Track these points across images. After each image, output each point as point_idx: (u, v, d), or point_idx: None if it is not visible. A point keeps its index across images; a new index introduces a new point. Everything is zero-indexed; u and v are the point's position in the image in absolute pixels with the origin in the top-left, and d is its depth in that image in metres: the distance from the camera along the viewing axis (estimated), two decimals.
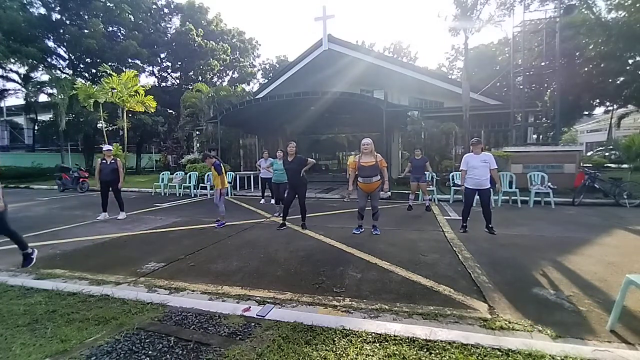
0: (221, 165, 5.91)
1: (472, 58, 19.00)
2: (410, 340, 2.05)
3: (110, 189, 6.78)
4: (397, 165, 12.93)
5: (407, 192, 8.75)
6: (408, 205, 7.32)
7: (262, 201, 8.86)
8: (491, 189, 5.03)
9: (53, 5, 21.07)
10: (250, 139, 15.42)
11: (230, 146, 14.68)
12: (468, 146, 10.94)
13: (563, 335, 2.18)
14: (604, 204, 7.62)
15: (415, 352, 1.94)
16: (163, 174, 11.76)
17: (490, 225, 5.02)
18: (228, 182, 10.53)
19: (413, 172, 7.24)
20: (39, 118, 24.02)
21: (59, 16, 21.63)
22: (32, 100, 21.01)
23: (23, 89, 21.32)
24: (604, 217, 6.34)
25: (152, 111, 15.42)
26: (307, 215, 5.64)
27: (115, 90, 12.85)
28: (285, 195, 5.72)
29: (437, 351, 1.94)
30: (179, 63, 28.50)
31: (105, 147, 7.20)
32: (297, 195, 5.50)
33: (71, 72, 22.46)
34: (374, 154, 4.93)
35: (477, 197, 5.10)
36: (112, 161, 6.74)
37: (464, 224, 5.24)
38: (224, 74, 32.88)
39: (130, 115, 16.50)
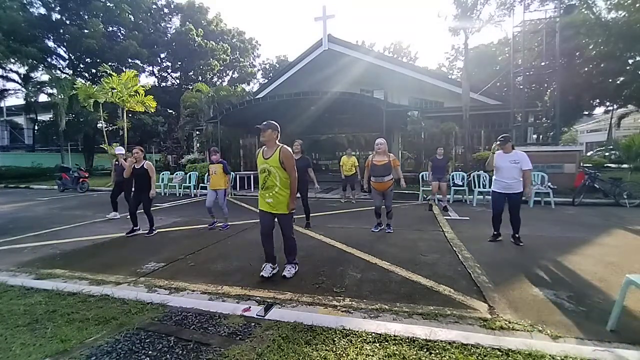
0: None
1: (472, 58, 18.98)
2: (410, 340, 2.05)
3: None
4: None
5: (409, 192, 8.77)
6: (428, 205, 7.44)
7: None
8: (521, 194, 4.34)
9: (53, 5, 21.10)
10: (250, 139, 15.42)
11: (230, 146, 14.68)
12: (468, 146, 11.08)
13: (563, 335, 2.17)
14: (604, 204, 7.62)
15: (415, 352, 1.94)
16: (163, 174, 11.78)
17: (517, 235, 4.43)
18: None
19: (434, 172, 7.28)
20: (39, 118, 24.03)
21: (59, 16, 21.67)
22: (32, 100, 21.03)
23: (23, 89, 21.35)
24: (604, 217, 6.34)
25: (152, 111, 15.42)
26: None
27: (115, 90, 12.83)
28: None
29: (437, 351, 1.94)
30: (179, 63, 28.54)
31: (117, 149, 7.21)
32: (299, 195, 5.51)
33: (71, 72, 22.49)
34: (387, 153, 5.08)
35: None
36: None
37: (495, 232, 4.59)
38: (224, 74, 32.93)
39: (130, 115, 16.47)
